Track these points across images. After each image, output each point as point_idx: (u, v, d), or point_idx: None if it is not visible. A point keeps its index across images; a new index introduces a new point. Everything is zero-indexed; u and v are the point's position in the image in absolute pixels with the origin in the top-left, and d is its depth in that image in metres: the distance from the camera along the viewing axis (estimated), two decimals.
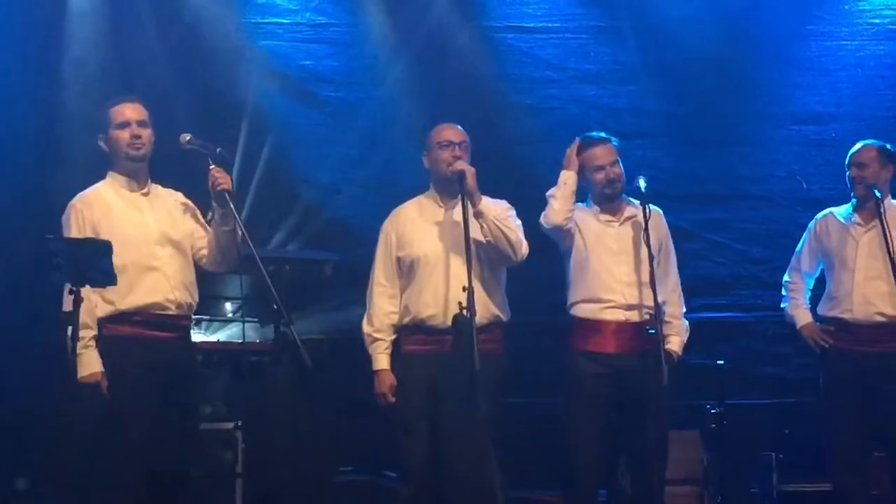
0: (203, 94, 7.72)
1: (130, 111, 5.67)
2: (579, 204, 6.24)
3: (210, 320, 7.39)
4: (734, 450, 7.18)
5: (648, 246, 5.92)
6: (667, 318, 6.14)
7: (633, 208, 6.19)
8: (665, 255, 6.24)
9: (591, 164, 6.17)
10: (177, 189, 5.88)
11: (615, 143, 6.21)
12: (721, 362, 7.25)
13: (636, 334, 6.02)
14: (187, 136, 5.64)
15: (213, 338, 7.33)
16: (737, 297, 8.00)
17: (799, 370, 7.74)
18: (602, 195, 6.19)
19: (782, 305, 6.63)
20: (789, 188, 8.02)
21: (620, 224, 6.17)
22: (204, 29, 7.85)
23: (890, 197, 6.44)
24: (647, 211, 5.99)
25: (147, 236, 5.61)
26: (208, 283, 6.65)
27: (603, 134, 6.27)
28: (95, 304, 5.37)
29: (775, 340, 7.90)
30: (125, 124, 5.64)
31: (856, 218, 6.42)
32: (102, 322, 5.48)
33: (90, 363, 5.34)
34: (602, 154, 6.17)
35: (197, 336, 6.99)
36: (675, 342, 6.19)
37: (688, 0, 8.06)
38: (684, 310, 6.28)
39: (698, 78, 8.04)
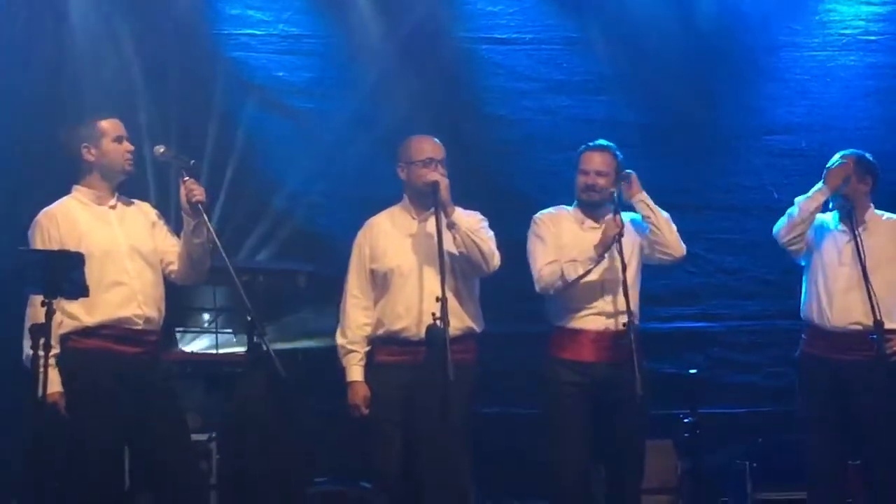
0: (176, 106, 7.69)
1: (121, 127, 5.69)
2: (564, 207, 6.26)
3: (184, 331, 7.37)
4: (707, 459, 7.20)
5: (621, 255, 5.93)
6: None
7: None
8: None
9: (580, 167, 6.19)
10: (143, 200, 5.88)
11: (617, 156, 6.20)
12: (694, 371, 7.28)
13: (615, 343, 6.02)
14: (161, 148, 5.65)
15: (186, 349, 7.31)
16: (709, 307, 8.03)
17: (771, 379, 7.79)
18: (579, 199, 6.21)
19: (782, 221, 6.49)
20: (761, 198, 8.04)
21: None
22: (177, 40, 7.83)
23: (873, 207, 6.49)
24: (619, 220, 6.01)
25: (116, 250, 5.59)
26: (182, 294, 6.66)
27: (606, 143, 6.24)
28: (60, 321, 5.32)
29: (747, 349, 7.95)
30: (122, 138, 5.66)
31: (841, 226, 6.44)
32: (68, 336, 5.45)
33: (50, 382, 5.22)
34: (591, 160, 6.17)
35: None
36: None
37: (659, 11, 8.09)
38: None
39: (670, 89, 8.06)
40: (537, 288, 6.12)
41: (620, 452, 6.08)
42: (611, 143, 6.24)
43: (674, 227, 6.21)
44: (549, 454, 6.09)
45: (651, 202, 6.18)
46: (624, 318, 5.96)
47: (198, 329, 7.46)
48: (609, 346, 6.03)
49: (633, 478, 6.11)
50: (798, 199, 6.40)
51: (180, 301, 6.83)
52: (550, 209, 6.31)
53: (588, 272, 5.99)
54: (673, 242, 6.20)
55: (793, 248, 6.42)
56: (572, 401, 6.03)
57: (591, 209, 6.21)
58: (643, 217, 6.18)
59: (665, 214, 6.20)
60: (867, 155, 6.50)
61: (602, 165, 6.16)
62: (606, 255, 6.00)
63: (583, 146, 6.26)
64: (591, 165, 6.17)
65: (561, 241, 6.16)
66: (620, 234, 5.95)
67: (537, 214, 6.29)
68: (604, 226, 6.06)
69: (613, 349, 6.00)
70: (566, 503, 6.10)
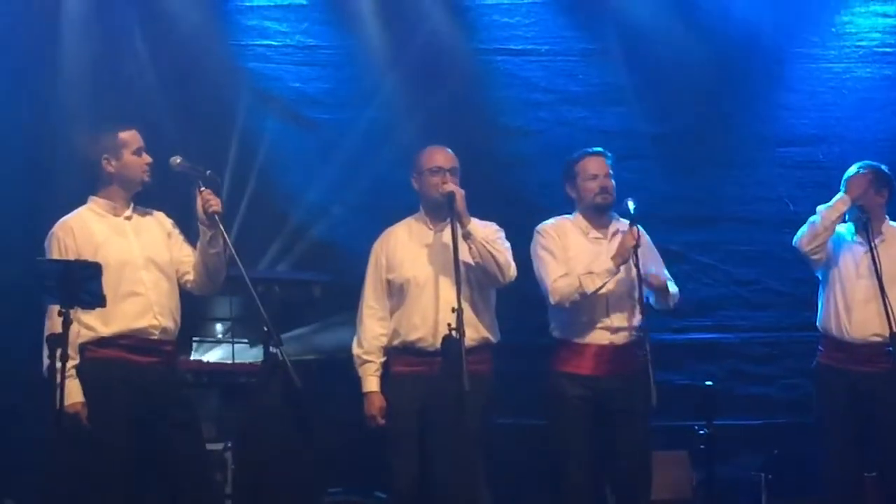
0: (192, 116, 7.71)
1: (140, 138, 5.70)
2: (566, 217, 6.26)
3: (199, 341, 7.39)
4: (722, 470, 7.18)
5: (637, 266, 5.94)
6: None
7: (619, 224, 6.21)
8: (655, 262, 6.26)
9: (585, 174, 6.19)
10: (159, 209, 5.90)
11: (609, 160, 6.23)
12: (709, 383, 7.27)
13: (619, 356, 6.03)
14: (178, 159, 5.66)
15: (202, 359, 7.32)
16: (723, 318, 8.01)
17: (786, 390, 7.77)
18: (592, 205, 6.20)
19: (803, 230, 6.51)
20: (776, 210, 8.02)
21: (609, 241, 6.18)
22: (194, 51, 7.85)
23: (889, 219, 6.49)
24: (636, 231, 6.01)
25: (132, 261, 5.60)
26: (198, 304, 6.67)
27: (599, 149, 6.28)
28: (77, 332, 5.34)
29: (762, 361, 7.93)
30: (141, 150, 5.69)
31: (857, 238, 6.45)
32: (85, 346, 5.48)
33: (70, 393, 5.25)
34: (596, 165, 6.20)
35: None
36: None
37: (676, 23, 8.08)
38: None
39: (686, 100, 8.05)
40: (552, 301, 6.11)
41: (627, 464, 6.07)
42: (599, 148, 6.29)
43: (676, 290, 6.24)
44: (555, 467, 6.10)
45: (672, 287, 6.19)
46: (630, 332, 6.01)
47: (214, 339, 7.47)
48: (613, 360, 6.04)
49: (639, 489, 6.10)
50: (820, 208, 6.40)
51: (196, 311, 6.84)
52: (553, 220, 6.30)
53: (604, 284, 6.00)
54: (672, 304, 6.23)
55: (815, 257, 6.41)
56: (578, 414, 6.04)
57: (597, 216, 6.21)
58: (656, 295, 6.16)
59: (674, 289, 6.22)
60: (883, 167, 6.51)
61: (606, 168, 6.21)
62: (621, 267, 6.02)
63: (576, 155, 6.28)
64: (598, 169, 6.19)
65: (567, 252, 6.16)
66: (637, 246, 5.95)
67: (541, 226, 6.29)
68: (620, 238, 6.07)
69: (618, 362, 6.02)
70: None
